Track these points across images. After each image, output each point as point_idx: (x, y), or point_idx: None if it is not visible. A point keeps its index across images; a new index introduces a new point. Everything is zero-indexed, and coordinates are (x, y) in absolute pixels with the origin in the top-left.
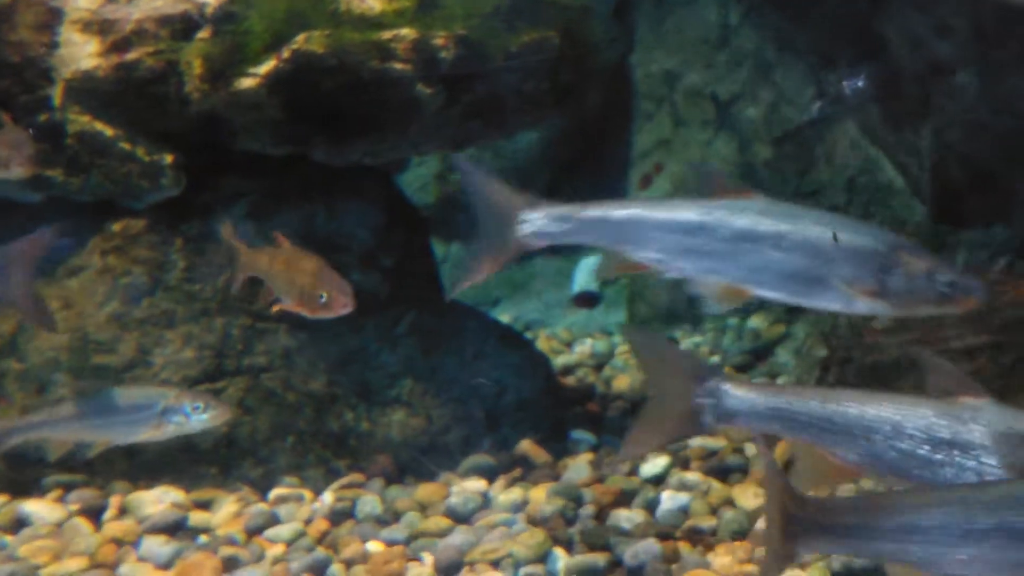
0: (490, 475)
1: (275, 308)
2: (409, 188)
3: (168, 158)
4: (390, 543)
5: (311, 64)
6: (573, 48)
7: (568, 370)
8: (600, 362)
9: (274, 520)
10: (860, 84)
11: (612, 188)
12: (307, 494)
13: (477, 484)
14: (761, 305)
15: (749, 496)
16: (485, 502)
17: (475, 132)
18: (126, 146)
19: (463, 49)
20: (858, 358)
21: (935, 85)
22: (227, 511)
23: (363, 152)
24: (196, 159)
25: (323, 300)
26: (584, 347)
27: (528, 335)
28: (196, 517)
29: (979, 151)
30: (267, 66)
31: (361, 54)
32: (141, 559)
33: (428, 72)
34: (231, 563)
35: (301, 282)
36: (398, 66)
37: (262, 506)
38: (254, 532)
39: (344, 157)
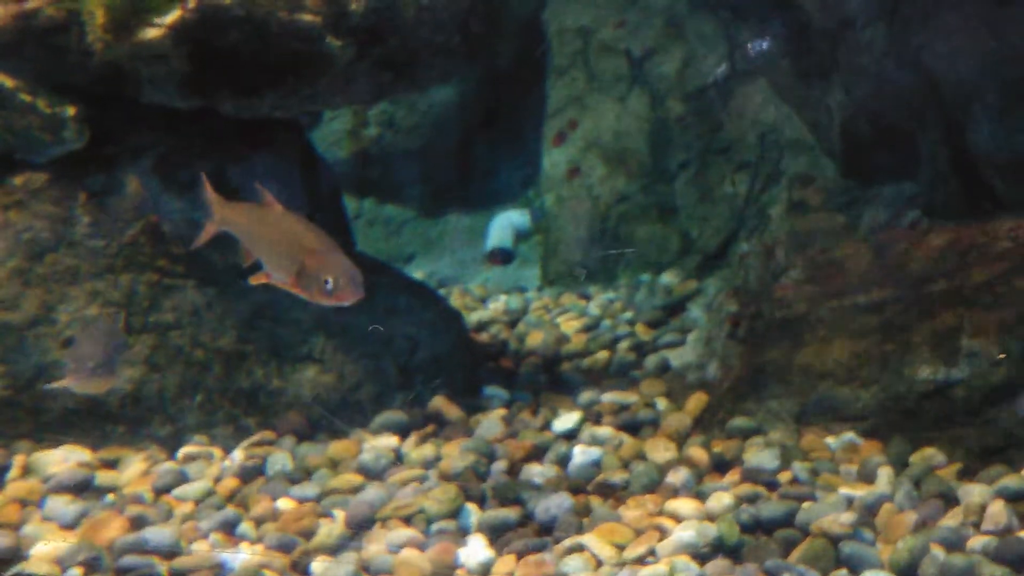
0: (403, 431)
1: (256, 280)
2: (322, 143)
3: (70, 110)
4: (301, 500)
5: (217, 15)
6: (485, 2)
7: (482, 326)
8: (514, 318)
9: (183, 478)
10: (765, 46)
11: (526, 144)
12: (217, 452)
13: (389, 440)
14: (674, 261)
15: (660, 450)
16: (397, 458)
17: (387, 86)
18: (26, 98)
19: (374, 1)
20: (767, 313)
21: (844, 41)
22: (135, 470)
23: (272, 105)
24: (100, 112)
25: (329, 287)
26: (498, 304)
27: (442, 292)
28: (103, 476)
29: (886, 107)
30: (172, 16)
31: (269, 5)
32: (45, 519)
33: (338, 24)
34: (138, 522)
35: (303, 260)
36: (307, 17)
37: (170, 464)
38: (162, 491)
39: (252, 110)
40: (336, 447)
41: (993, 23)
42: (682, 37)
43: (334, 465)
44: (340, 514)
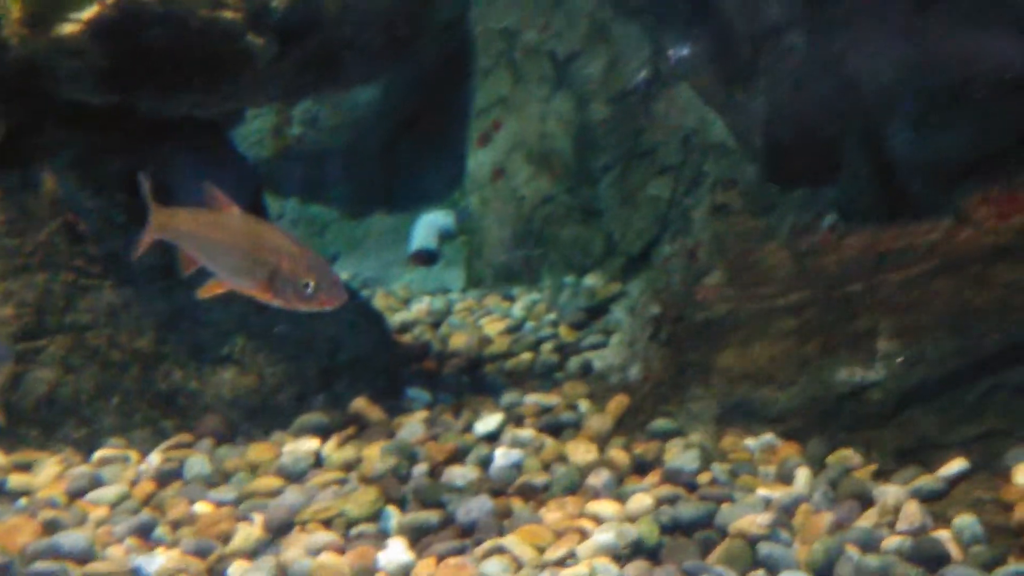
0: (323, 434)
1: (209, 291)
2: (245, 142)
3: None
4: (219, 504)
5: (137, 10)
6: (409, 2)
7: (405, 327)
8: (437, 320)
9: (98, 482)
10: (685, 52)
11: (452, 145)
12: (133, 455)
13: (310, 443)
14: (598, 263)
15: (581, 452)
16: (317, 461)
17: (309, 85)
18: None
19: None
20: (689, 315)
21: (766, 46)
22: (48, 473)
23: (192, 103)
24: (16, 108)
25: (309, 290)
26: (421, 305)
27: (365, 292)
28: (16, 479)
29: (807, 111)
30: (90, 11)
31: (189, 2)
32: None
33: (259, 22)
34: (52, 526)
35: (276, 263)
36: (228, 15)
37: (85, 468)
38: (76, 495)
39: (172, 108)
40: (255, 450)
41: (912, 30)
42: (607, 40)
43: (253, 468)
44: (259, 518)
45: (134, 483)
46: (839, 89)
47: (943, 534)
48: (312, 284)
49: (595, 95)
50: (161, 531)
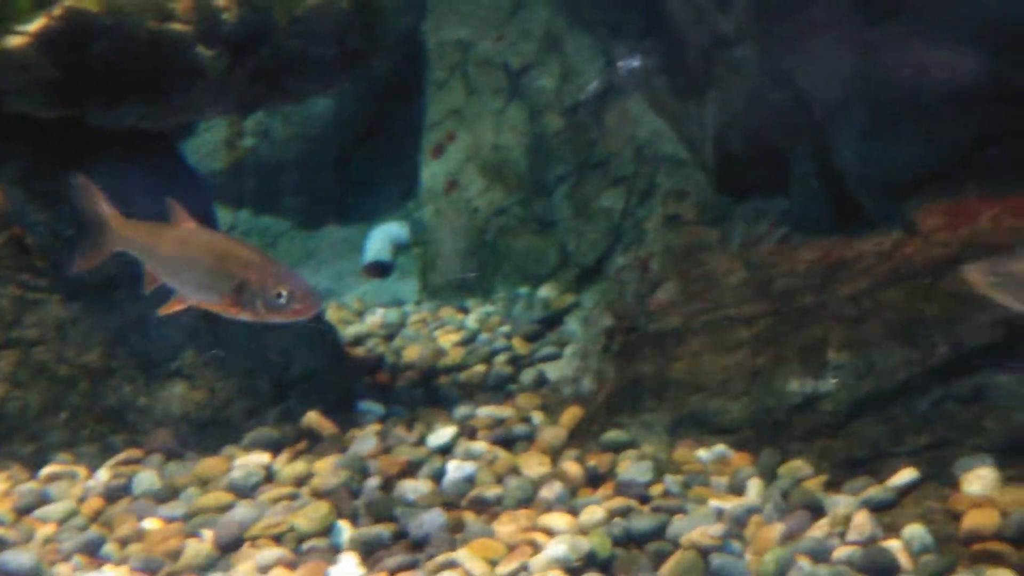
0: (275, 448)
1: (169, 309)
2: (196, 154)
3: None
4: (168, 520)
5: (85, 22)
6: (362, 14)
7: (358, 340)
8: (391, 332)
9: (45, 499)
10: (636, 64)
11: (405, 156)
12: (81, 471)
13: (261, 458)
14: (552, 274)
15: (534, 464)
16: (268, 476)
17: (261, 97)
18: None
19: (247, 11)
20: (642, 327)
21: (717, 58)
22: None
23: (141, 115)
24: None
25: (282, 301)
26: (375, 317)
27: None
28: None
29: (759, 124)
30: (37, 24)
31: (138, 14)
32: None
33: (209, 34)
34: None
35: (244, 276)
36: (177, 27)
37: (32, 484)
38: (23, 512)
39: (121, 120)
40: (205, 465)
41: (862, 43)
42: (561, 52)
43: (203, 483)
44: (208, 534)
45: (82, 500)
46: (789, 102)
47: (893, 544)
48: (285, 294)
49: (549, 107)
50: (109, 548)
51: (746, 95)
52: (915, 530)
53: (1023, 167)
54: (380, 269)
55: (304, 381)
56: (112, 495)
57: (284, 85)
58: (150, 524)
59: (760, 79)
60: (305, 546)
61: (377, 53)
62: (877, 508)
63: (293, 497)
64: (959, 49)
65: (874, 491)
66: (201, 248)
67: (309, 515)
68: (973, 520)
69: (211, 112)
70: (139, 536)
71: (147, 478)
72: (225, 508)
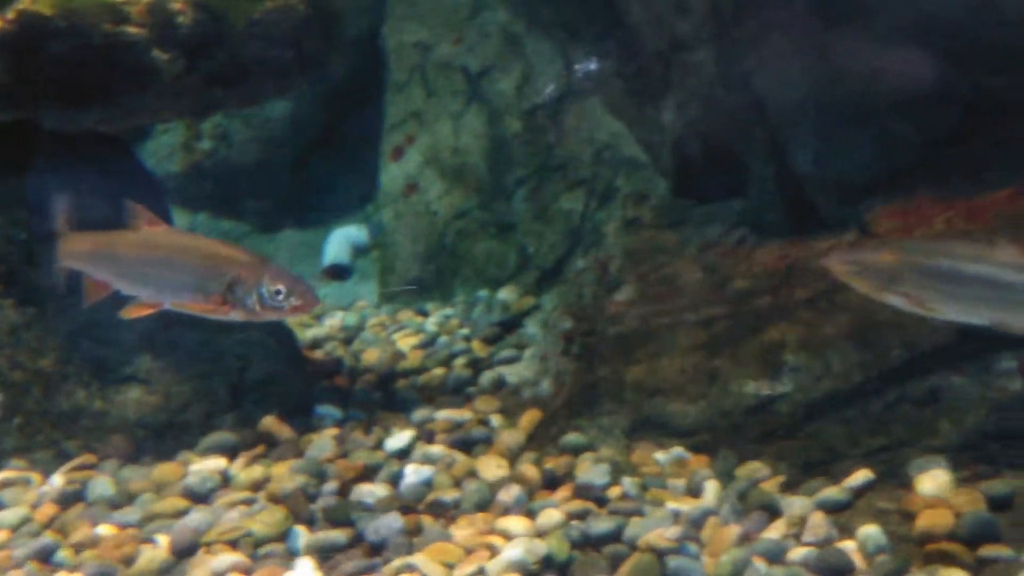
0: (231, 453)
1: (135, 312)
2: (154, 156)
3: None
4: (122, 526)
5: (39, 26)
6: (319, 17)
7: (317, 344)
8: (350, 335)
9: None
10: (593, 67)
11: (364, 159)
12: (35, 477)
13: (217, 462)
14: (511, 277)
15: (492, 467)
16: (225, 481)
17: (217, 100)
18: None
19: (202, 14)
20: (601, 330)
21: (675, 62)
22: None
23: (97, 119)
24: None
25: (281, 297)
26: (334, 320)
27: None
28: None
29: (716, 127)
30: None
31: (93, 17)
32: None
33: (165, 37)
34: None
35: (236, 274)
36: (132, 30)
37: None
38: None
39: (76, 124)
40: (161, 470)
41: (818, 46)
42: (520, 55)
43: (158, 489)
44: (163, 539)
45: (36, 506)
46: (747, 105)
47: (848, 545)
48: (284, 290)
49: (508, 110)
50: (63, 555)
51: (703, 99)
52: (869, 531)
53: (975, 170)
54: (339, 272)
55: (261, 385)
56: (66, 501)
57: (241, 88)
58: (104, 530)
59: (717, 83)
60: (261, 551)
61: (335, 56)
62: (832, 509)
63: (250, 502)
64: (912, 53)
65: (830, 492)
66: (183, 249)
67: (265, 520)
68: (927, 520)
69: (167, 115)
70: (93, 542)
71: (101, 484)
72: (180, 513)
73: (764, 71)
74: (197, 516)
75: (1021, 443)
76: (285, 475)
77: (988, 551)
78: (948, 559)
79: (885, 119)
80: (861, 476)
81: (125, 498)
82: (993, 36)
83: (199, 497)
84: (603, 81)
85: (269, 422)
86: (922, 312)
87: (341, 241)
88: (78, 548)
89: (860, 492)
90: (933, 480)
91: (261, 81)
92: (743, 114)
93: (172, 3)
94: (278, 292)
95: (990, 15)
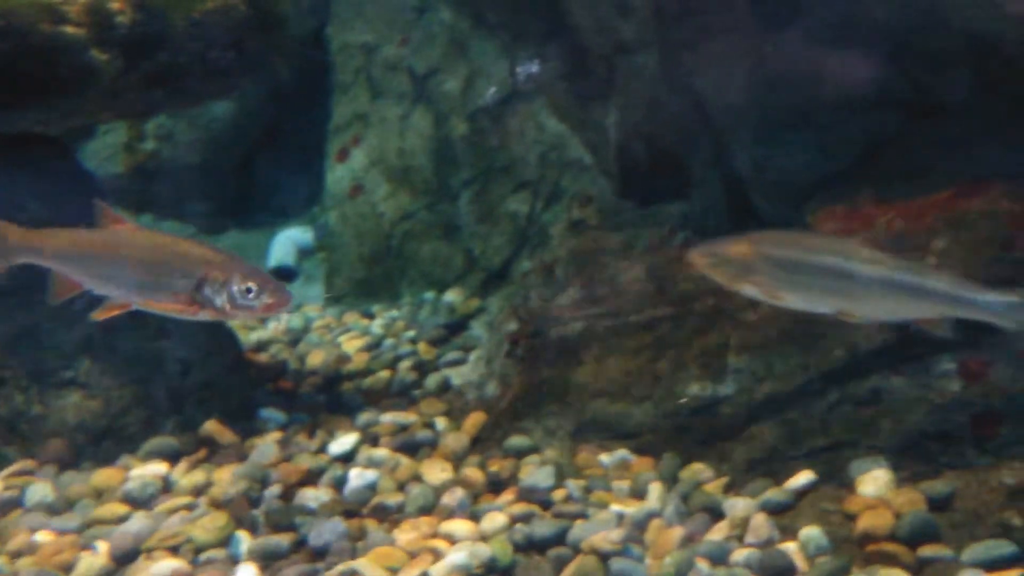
0: (172, 457)
1: (105, 313)
2: (96, 157)
3: None
4: (61, 532)
5: None
6: (261, 17)
7: (261, 347)
8: (295, 338)
9: None
10: (534, 69)
11: (310, 161)
12: None
13: (158, 467)
14: (458, 279)
15: (436, 471)
16: (166, 486)
17: (158, 101)
18: None
19: (141, 14)
20: (546, 332)
21: (619, 64)
22: None
23: (34, 120)
24: None
25: (252, 296)
26: (279, 323)
27: None
28: None
29: (659, 130)
30: None
31: (30, 16)
32: None
33: (104, 37)
34: None
35: (204, 274)
36: (70, 30)
37: None
38: None
39: (12, 124)
40: (101, 475)
41: (757, 49)
42: (465, 56)
43: (98, 494)
44: (103, 546)
45: None
46: (690, 107)
47: (790, 546)
48: (255, 288)
49: (454, 111)
50: (0, 562)
51: (647, 101)
52: (811, 532)
53: (914, 171)
54: (285, 274)
55: (203, 389)
56: (3, 507)
57: (182, 89)
58: (43, 537)
59: (660, 85)
60: (203, 557)
61: (278, 57)
62: (775, 510)
63: (191, 507)
64: (851, 55)
65: (772, 493)
66: (149, 248)
67: (207, 526)
68: (867, 521)
69: (106, 116)
70: (31, 549)
71: (40, 489)
72: (121, 519)
73: (706, 74)
74: (137, 522)
75: (960, 443)
76: (227, 480)
77: (928, 551)
78: (889, 560)
79: (825, 121)
80: (803, 477)
81: (64, 504)
82: (931, 38)
83: (139, 503)
84: (548, 83)
85: (211, 426)
86: (773, 301)
87: (286, 243)
88: (15, 555)
89: (802, 493)
90: (874, 481)
91: (202, 82)
92: (686, 117)
93: (111, 3)
94: (248, 290)
95: (928, 17)
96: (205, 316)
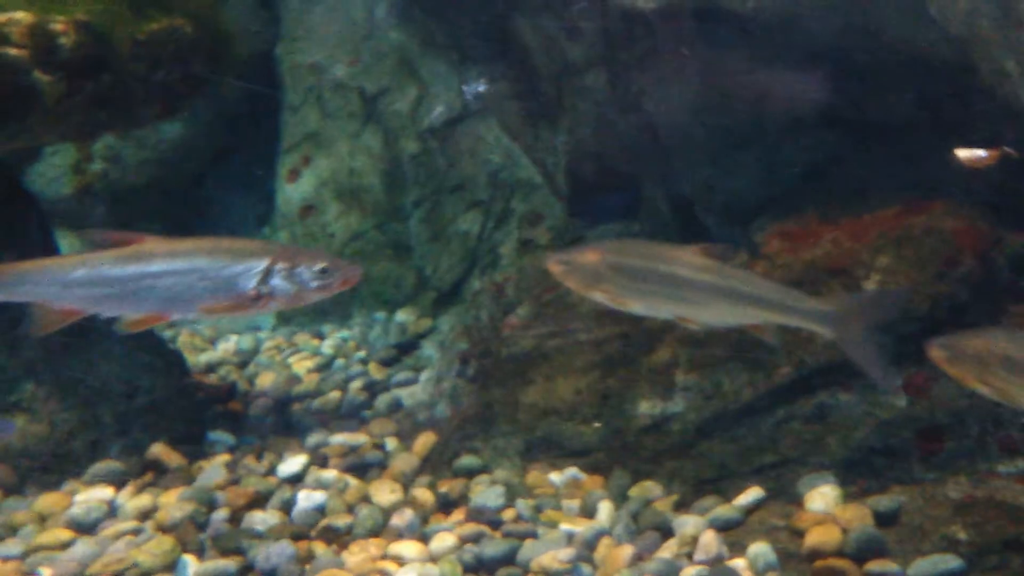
0: (119, 482)
1: (137, 325)
2: (42, 178)
3: None
4: (4, 559)
5: None
6: (207, 38)
7: (210, 368)
8: (244, 359)
9: None
10: (480, 89)
11: (260, 181)
12: None
13: (104, 492)
14: (409, 299)
15: (386, 492)
16: (112, 510)
17: (103, 122)
18: None
19: (85, 36)
20: (496, 351)
21: (568, 85)
22: None
23: None
24: None
25: (327, 275)
26: (228, 344)
27: (170, 332)
28: None
29: (609, 149)
30: None
31: None
32: None
33: (47, 59)
34: None
35: (268, 263)
36: (12, 51)
37: None
38: None
39: None
40: (45, 501)
41: (705, 70)
42: (415, 76)
43: (42, 520)
44: (47, 572)
45: None
46: (637, 128)
47: (739, 562)
48: (328, 267)
49: (404, 131)
50: None
51: (596, 121)
52: (760, 548)
53: (859, 190)
54: None
55: (149, 412)
56: None
57: (126, 110)
58: None
59: (609, 106)
60: None
61: (225, 77)
62: (724, 527)
63: (137, 532)
64: (796, 77)
65: (721, 510)
66: (201, 251)
67: (152, 551)
68: (815, 537)
69: (50, 138)
70: None
71: None
72: (65, 545)
73: (654, 94)
74: (82, 548)
75: (907, 458)
76: (174, 504)
77: (875, 566)
78: (836, 575)
79: (771, 142)
80: (752, 494)
81: (7, 530)
82: (871, 58)
83: (85, 528)
84: (498, 103)
85: (158, 449)
86: (619, 307)
87: None
88: None
89: (751, 509)
90: (822, 496)
91: (147, 103)
92: (635, 137)
93: (54, 24)
94: (324, 271)
95: (868, 37)
96: (275, 306)
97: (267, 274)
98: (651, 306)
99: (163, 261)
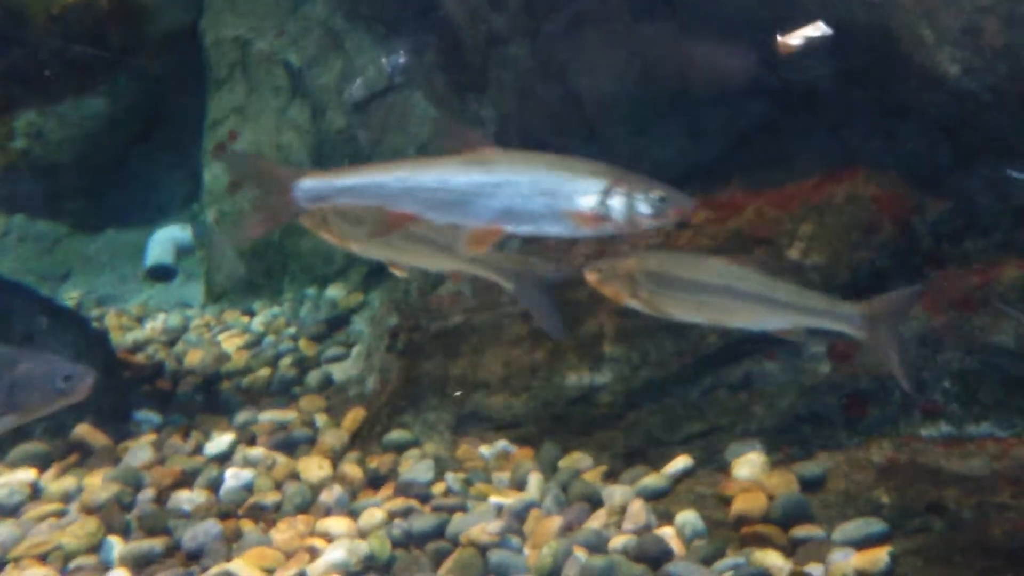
0: (42, 463)
1: (478, 245)
2: None
3: None
4: None
5: None
6: (124, 11)
7: (137, 347)
8: (173, 337)
9: None
10: (402, 61)
11: (187, 157)
12: None
13: (26, 474)
14: (340, 273)
15: (314, 468)
16: (35, 493)
17: (16, 99)
18: None
19: None
20: (425, 325)
21: (493, 55)
22: None
23: None
24: None
25: (663, 203)
26: (156, 323)
27: (98, 312)
28: None
29: (534, 121)
30: None
31: None
32: None
33: None
34: None
35: (608, 184)
36: None
37: None
38: None
39: None
40: None
41: (629, 40)
42: (341, 49)
43: None
44: None
45: None
46: (563, 98)
47: (666, 531)
48: (664, 197)
49: (331, 104)
50: None
51: (521, 92)
52: (687, 516)
53: (782, 159)
54: (163, 273)
55: None
56: None
57: (41, 86)
58: None
59: (533, 76)
60: (73, 564)
61: (146, 51)
62: (652, 497)
63: (61, 514)
64: (722, 46)
65: (649, 480)
66: (541, 165)
67: (77, 532)
68: (742, 504)
69: None
70: None
71: None
72: None
73: (578, 64)
74: (4, 531)
75: (832, 424)
76: (99, 485)
77: (800, 531)
78: (763, 541)
79: (696, 111)
80: (680, 462)
81: None
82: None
83: (7, 511)
84: (425, 75)
85: (82, 430)
86: (655, 314)
87: (164, 241)
88: None
89: (679, 478)
90: (749, 464)
91: (63, 79)
92: (560, 107)
93: None
94: (661, 199)
95: (790, 7)
96: (610, 229)
97: (606, 195)
98: (687, 313)
99: (505, 171)
